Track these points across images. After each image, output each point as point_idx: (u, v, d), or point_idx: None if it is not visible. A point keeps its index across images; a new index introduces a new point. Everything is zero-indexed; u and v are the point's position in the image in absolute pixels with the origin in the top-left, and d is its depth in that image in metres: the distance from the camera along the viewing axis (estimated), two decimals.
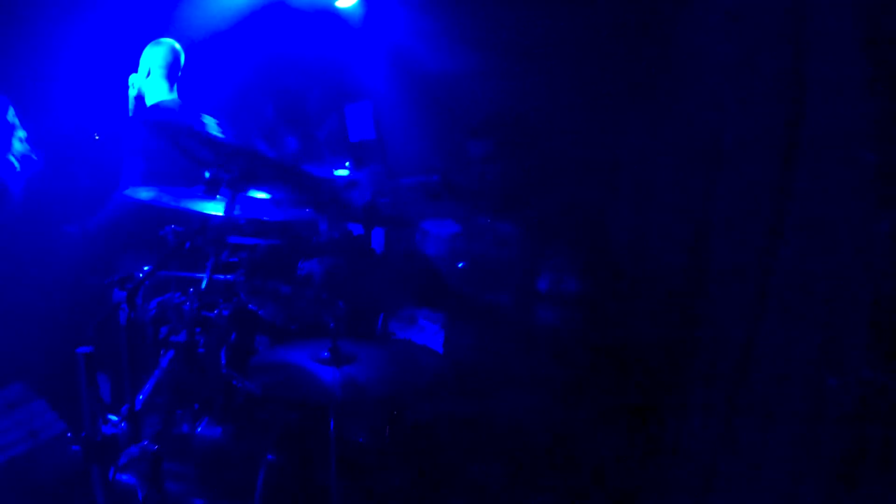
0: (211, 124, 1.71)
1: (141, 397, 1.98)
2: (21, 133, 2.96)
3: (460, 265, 2.54)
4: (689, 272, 2.30)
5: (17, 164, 2.93)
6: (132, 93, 3.21)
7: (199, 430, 2.23)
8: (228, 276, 2.40)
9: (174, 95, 3.22)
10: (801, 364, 1.75)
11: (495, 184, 2.36)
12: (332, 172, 3.39)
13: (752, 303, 1.92)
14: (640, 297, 2.62)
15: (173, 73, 3.23)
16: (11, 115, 2.95)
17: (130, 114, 3.21)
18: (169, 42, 3.25)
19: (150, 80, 3.20)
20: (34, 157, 2.98)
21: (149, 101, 3.21)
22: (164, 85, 3.20)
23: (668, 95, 2.71)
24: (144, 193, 2.20)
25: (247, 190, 2.09)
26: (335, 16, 3.95)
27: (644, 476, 2.21)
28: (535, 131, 2.44)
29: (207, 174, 1.96)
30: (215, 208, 2.06)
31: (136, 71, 3.22)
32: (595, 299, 2.18)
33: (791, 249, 1.82)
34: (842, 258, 1.66)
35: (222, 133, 1.70)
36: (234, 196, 1.85)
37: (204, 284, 1.74)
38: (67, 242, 2.99)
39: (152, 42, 3.24)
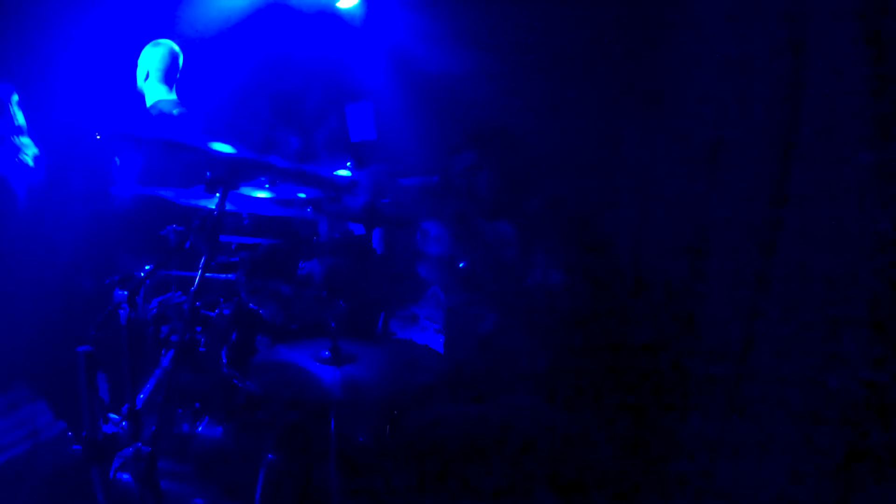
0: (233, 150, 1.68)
1: (142, 397, 1.99)
2: (21, 121, 2.94)
3: (461, 265, 2.54)
4: (689, 272, 2.31)
5: (19, 162, 2.92)
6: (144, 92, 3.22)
7: (199, 429, 2.23)
8: (229, 276, 2.41)
9: (173, 96, 3.23)
10: (801, 364, 1.75)
11: (482, 190, 2.38)
12: (333, 173, 3.39)
13: (752, 303, 1.92)
14: (641, 296, 2.62)
15: (171, 74, 3.25)
16: (15, 103, 2.94)
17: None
18: (167, 43, 3.26)
19: (148, 82, 3.22)
20: (31, 162, 2.96)
21: (148, 102, 3.22)
22: (163, 86, 3.21)
23: (667, 96, 2.71)
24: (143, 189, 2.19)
25: (242, 187, 2.09)
26: (336, 16, 3.95)
27: (644, 476, 2.21)
28: (518, 137, 2.46)
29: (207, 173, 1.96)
30: (211, 204, 2.06)
31: (134, 72, 3.23)
32: (581, 291, 2.18)
33: (790, 250, 1.82)
34: (841, 258, 1.66)
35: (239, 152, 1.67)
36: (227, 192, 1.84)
37: (196, 283, 1.73)
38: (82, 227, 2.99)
39: (150, 43, 3.25)
